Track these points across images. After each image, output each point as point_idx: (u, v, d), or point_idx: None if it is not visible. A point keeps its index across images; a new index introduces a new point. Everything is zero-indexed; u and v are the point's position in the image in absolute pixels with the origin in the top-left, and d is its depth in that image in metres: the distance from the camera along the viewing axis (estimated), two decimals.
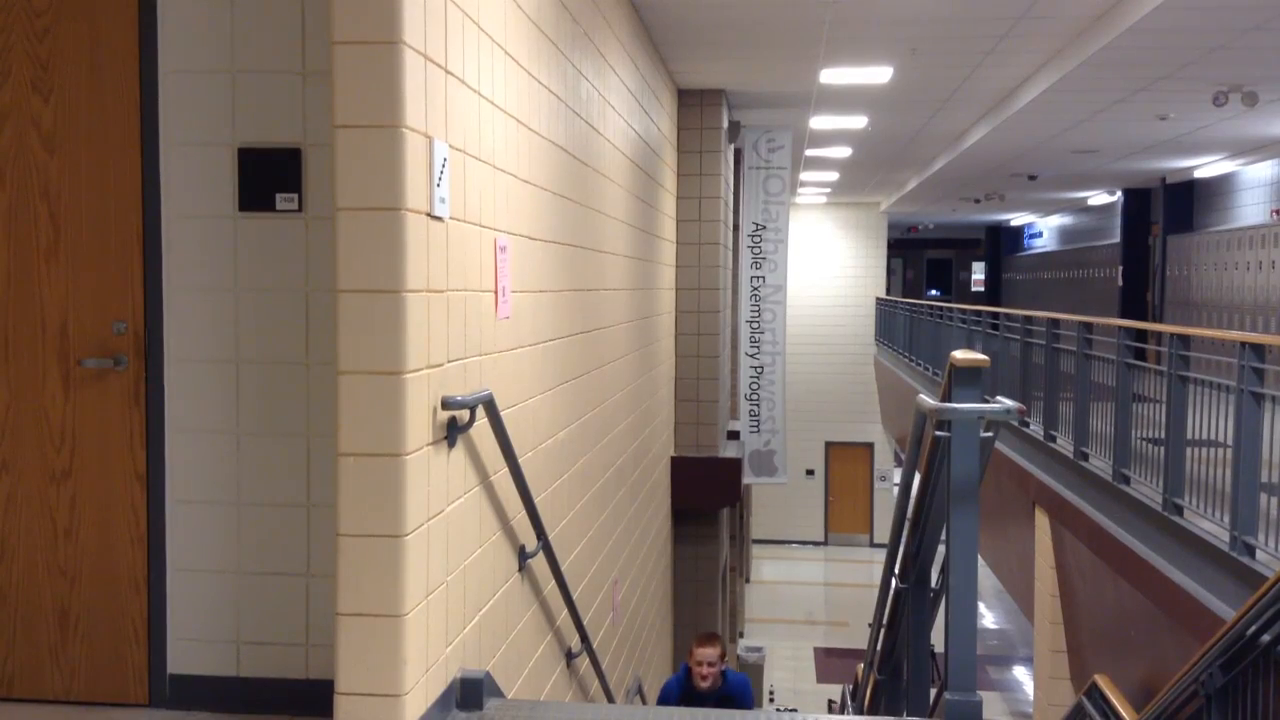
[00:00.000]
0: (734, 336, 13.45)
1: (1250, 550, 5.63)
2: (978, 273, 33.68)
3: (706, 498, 11.29)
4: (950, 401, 4.55)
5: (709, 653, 6.62)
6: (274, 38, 3.64)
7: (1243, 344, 5.82)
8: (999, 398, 4.93)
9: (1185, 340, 6.81)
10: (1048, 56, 9.53)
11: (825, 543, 26.01)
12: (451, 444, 3.65)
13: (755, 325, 13.23)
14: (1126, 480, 7.42)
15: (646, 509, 9.09)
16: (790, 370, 15.64)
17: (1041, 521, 9.22)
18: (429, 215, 3.41)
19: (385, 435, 3.23)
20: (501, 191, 4.30)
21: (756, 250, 13.06)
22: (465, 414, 3.69)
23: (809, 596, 22.59)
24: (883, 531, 23.95)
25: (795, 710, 14.06)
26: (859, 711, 8.29)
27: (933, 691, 5.90)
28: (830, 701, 11.88)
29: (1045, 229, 27.67)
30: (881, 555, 7.62)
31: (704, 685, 6.52)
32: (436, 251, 3.49)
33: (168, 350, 3.76)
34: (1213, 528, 6.10)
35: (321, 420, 3.64)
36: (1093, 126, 12.52)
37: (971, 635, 4.46)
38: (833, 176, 19.83)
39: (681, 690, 6.65)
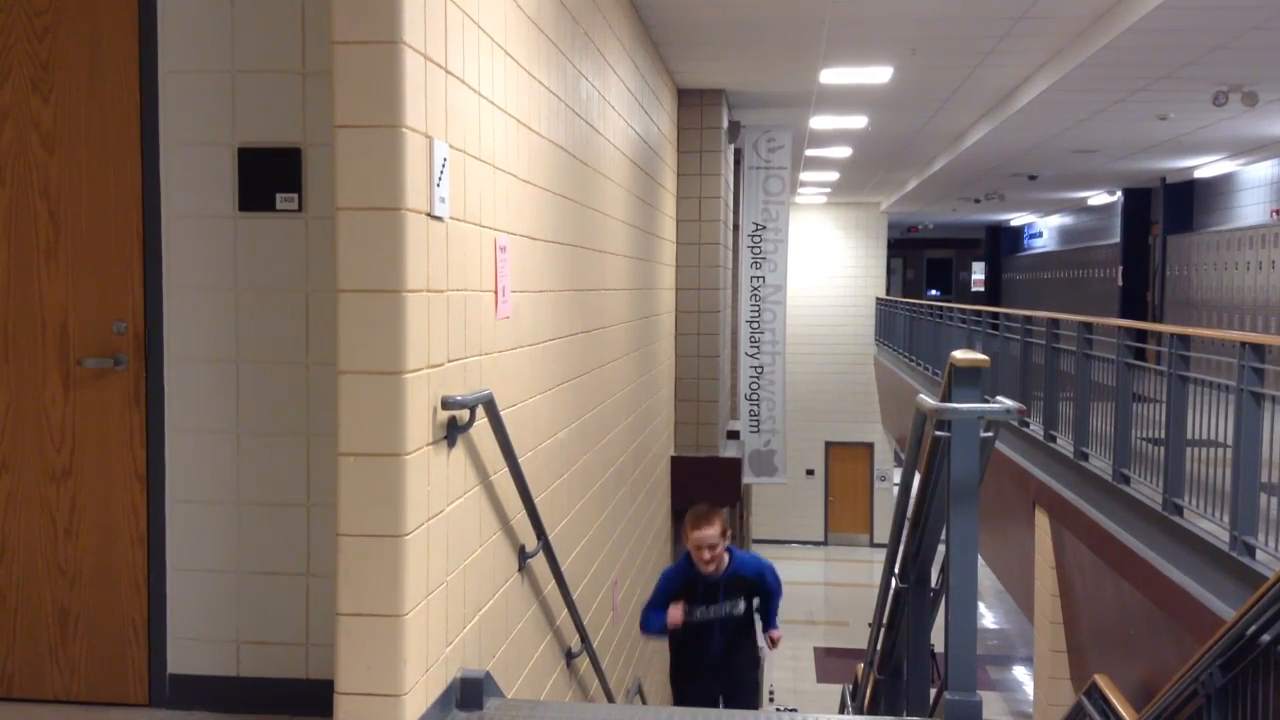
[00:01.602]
0: (734, 336, 13.44)
1: (1250, 550, 5.63)
2: (978, 273, 33.69)
3: (706, 498, 11.25)
4: (950, 401, 4.54)
5: (708, 534, 5.55)
6: (274, 38, 3.63)
7: (1243, 344, 5.83)
8: (999, 398, 4.93)
9: (1185, 340, 6.82)
10: (1048, 56, 9.53)
11: (825, 543, 26.02)
12: (451, 444, 3.65)
13: (755, 325, 13.23)
14: (1126, 480, 7.42)
15: (646, 509, 9.09)
16: (790, 370, 15.64)
17: (1041, 521, 9.22)
18: (429, 215, 3.41)
19: (385, 435, 3.23)
20: (501, 191, 4.30)
21: (756, 250, 13.06)
22: (465, 414, 3.69)
23: (809, 596, 22.58)
24: (883, 531, 23.94)
25: (795, 710, 14.05)
26: (859, 711, 8.28)
27: (933, 691, 5.90)
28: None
29: (1045, 229, 27.66)
30: (881, 555, 7.61)
31: (710, 569, 5.62)
32: (436, 251, 3.49)
33: (168, 350, 3.75)
34: (1213, 528, 6.10)
35: (321, 420, 3.64)
36: (1093, 126, 12.51)
37: (971, 635, 4.46)
38: (833, 176, 19.83)
39: (684, 578, 5.69)
